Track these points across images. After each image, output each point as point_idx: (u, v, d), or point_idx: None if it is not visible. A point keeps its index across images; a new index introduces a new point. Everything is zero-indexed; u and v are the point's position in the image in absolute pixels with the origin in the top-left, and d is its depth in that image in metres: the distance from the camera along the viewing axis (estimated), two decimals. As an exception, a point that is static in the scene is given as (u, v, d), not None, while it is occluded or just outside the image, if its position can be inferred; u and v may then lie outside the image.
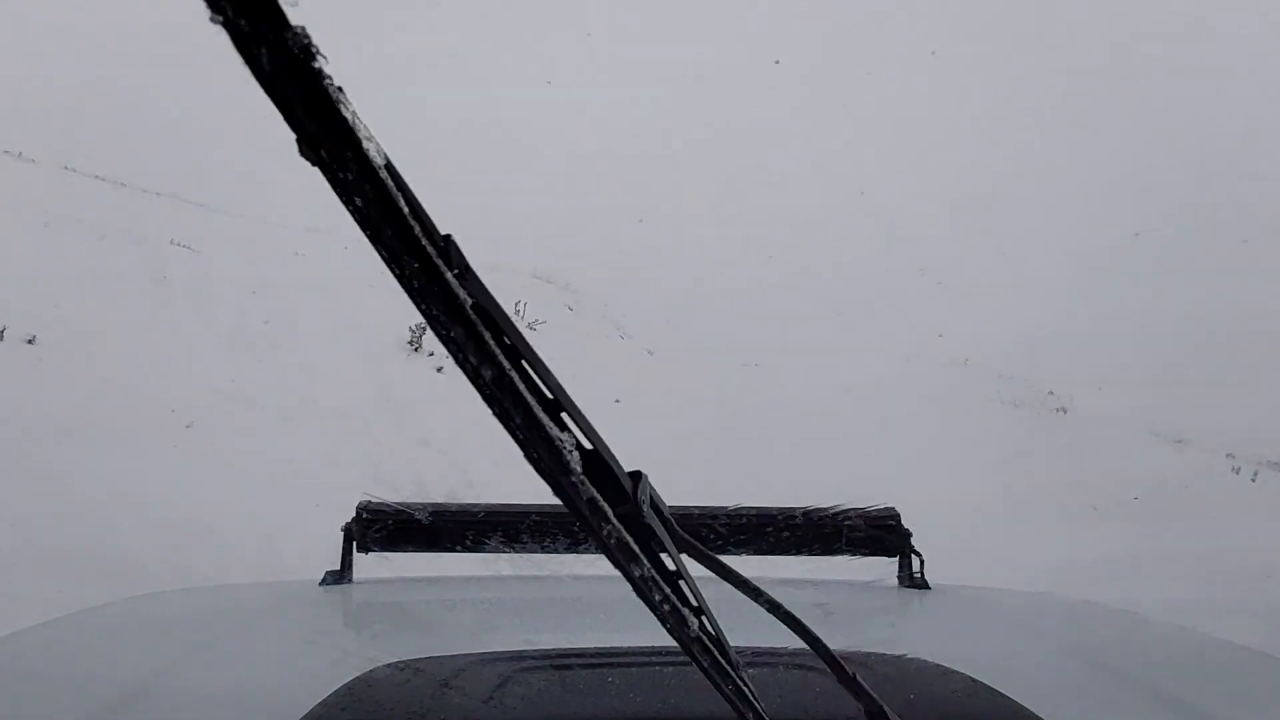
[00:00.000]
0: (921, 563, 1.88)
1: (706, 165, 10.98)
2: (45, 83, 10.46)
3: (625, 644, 1.29)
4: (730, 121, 11.27)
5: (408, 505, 1.74)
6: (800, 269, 9.74)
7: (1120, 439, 7.78)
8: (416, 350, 7.38)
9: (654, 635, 1.30)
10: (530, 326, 8.22)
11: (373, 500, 1.75)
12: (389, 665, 1.22)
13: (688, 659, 1.15)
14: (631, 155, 10.64)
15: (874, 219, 10.33)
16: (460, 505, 1.78)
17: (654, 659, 1.23)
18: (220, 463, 5.42)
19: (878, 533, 1.83)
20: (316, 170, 0.53)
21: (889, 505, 1.87)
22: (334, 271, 8.48)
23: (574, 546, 1.66)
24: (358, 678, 1.17)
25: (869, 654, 1.29)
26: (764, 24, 12.60)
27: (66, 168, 9.67)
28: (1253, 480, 7.50)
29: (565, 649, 1.31)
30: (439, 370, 7.08)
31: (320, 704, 1.09)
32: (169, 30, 10.70)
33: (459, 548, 1.72)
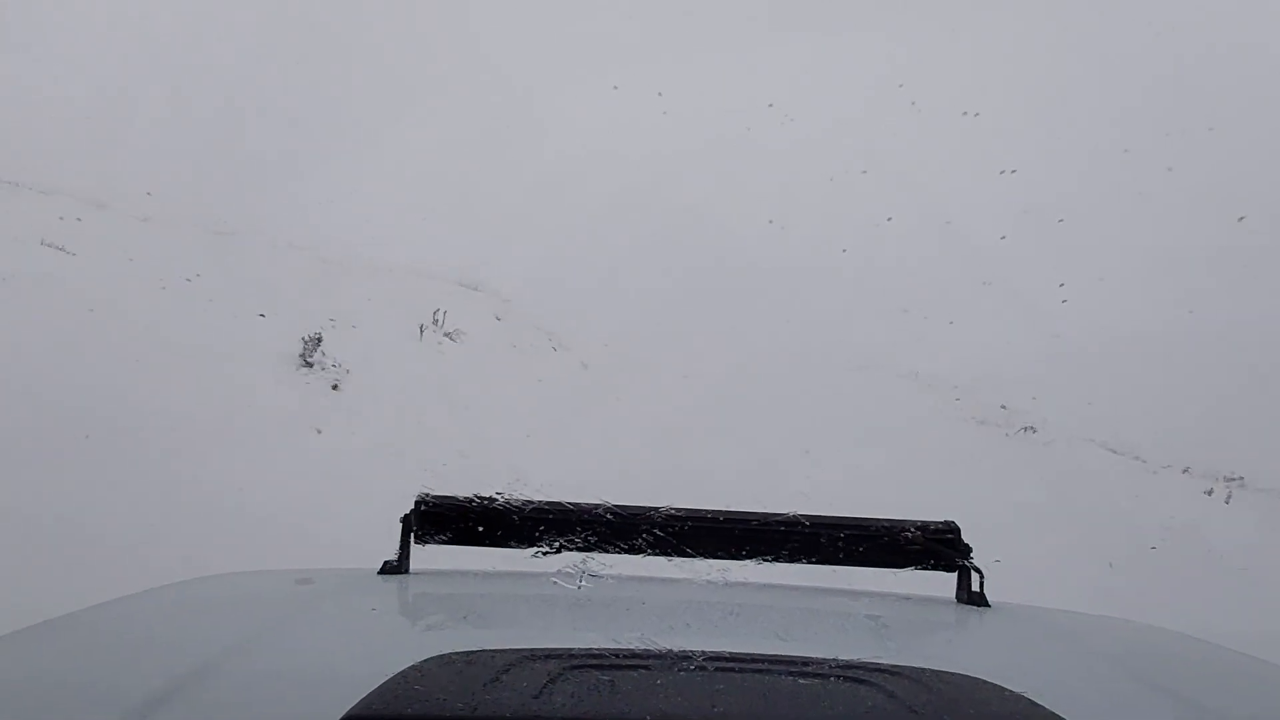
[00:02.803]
0: (981, 579, 1.84)
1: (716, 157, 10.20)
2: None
3: (676, 646, 1.26)
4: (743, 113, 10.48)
5: (465, 498, 1.77)
6: (774, 265, 9.05)
7: (1083, 458, 7.20)
8: (310, 367, 6.57)
9: (706, 639, 1.34)
10: (448, 336, 7.46)
11: (430, 493, 1.79)
12: (442, 656, 1.22)
13: (738, 664, 1.23)
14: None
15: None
16: (517, 500, 1.78)
17: (705, 663, 1.22)
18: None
19: (936, 546, 1.81)
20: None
21: (948, 519, 1.84)
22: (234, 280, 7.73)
23: (631, 548, 1.70)
24: (411, 666, 1.17)
25: (924, 669, 1.26)
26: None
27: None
28: (1226, 503, 6.93)
29: (616, 649, 1.28)
30: (334, 387, 6.35)
31: (375, 690, 1.09)
32: (85, 30, 9.99)
33: (513, 543, 1.74)
